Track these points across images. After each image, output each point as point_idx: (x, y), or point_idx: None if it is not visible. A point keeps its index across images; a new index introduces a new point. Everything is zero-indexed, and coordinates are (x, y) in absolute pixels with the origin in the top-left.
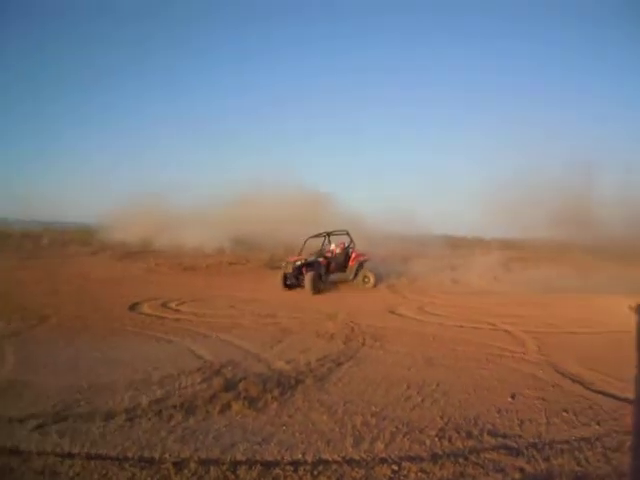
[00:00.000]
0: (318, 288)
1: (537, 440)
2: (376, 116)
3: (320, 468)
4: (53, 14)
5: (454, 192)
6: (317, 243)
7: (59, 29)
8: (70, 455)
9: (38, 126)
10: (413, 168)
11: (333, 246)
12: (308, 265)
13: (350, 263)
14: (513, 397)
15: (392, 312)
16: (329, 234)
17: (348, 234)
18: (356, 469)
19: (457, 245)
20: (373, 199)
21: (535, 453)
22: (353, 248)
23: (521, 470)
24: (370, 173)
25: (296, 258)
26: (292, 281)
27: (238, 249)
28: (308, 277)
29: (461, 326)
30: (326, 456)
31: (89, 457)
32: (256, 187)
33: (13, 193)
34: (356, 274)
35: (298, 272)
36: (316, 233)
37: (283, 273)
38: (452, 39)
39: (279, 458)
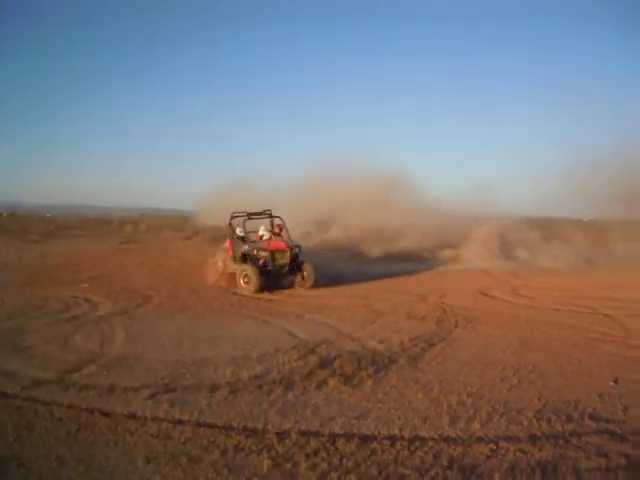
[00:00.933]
0: None
1: None
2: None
3: (417, 444)
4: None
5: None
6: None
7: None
8: (181, 422)
9: (132, 125)
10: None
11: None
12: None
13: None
14: (616, 382)
15: (484, 294)
16: (255, 215)
17: (271, 215)
18: (453, 446)
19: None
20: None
21: None
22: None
23: (626, 456)
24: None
25: (281, 244)
26: (279, 275)
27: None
28: (311, 268)
29: (555, 309)
30: (423, 433)
31: (198, 424)
32: (334, 170)
33: (113, 182)
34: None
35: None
36: (238, 212)
37: (260, 265)
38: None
39: (376, 433)
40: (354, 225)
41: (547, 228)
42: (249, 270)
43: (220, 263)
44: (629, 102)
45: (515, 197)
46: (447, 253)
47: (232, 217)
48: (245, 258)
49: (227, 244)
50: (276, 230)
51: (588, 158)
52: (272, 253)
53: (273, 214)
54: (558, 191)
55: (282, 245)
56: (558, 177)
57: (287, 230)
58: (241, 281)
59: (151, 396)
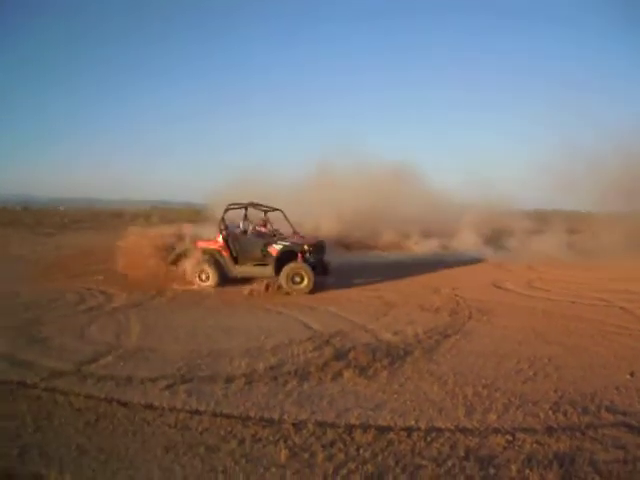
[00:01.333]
0: None
1: None
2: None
3: (433, 435)
4: None
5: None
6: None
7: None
8: (198, 412)
9: (143, 119)
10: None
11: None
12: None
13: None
14: (632, 375)
15: (497, 286)
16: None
17: (274, 209)
18: (470, 437)
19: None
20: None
21: None
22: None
23: None
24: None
25: (316, 239)
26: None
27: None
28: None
29: (571, 302)
30: (439, 424)
31: (215, 415)
32: (341, 163)
33: (123, 176)
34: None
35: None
36: (235, 204)
37: (303, 255)
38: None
39: (392, 424)
40: (357, 216)
41: (541, 220)
42: (303, 269)
43: (205, 267)
44: (628, 96)
45: (519, 190)
46: (435, 243)
47: (227, 209)
48: (285, 256)
49: (219, 242)
50: (260, 223)
51: (588, 151)
52: (315, 248)
53: (275, 207)
54: (558, 184)
55: (318, 240)
56: (558, 170)
57: (291, 223)
58: (289, 282)
59: (168, 386)
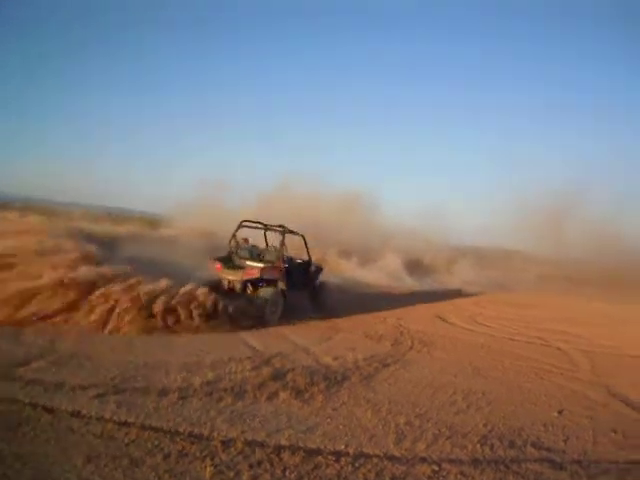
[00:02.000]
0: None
1: (582, 457)
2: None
3: (361, 460)
4: None
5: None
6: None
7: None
8: (126, 424)
9: (101, 122)
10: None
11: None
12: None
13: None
14: (560, 413)
15: (441, 318)
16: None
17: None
18: (396, 465)
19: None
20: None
21: (579, 469)
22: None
23: None
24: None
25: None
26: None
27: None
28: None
29: (510, 339)
30: (368, 450)
31: (143, 427)
32: (294, 184)
33: (82, 178)
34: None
35: None
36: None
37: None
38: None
39: (322, 447)
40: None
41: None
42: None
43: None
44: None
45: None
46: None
47: (240, 226)
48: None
49: (281, 268)
50: (243, 241)
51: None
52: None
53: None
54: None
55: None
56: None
57: (308, 249)
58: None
59: (98, 396)
